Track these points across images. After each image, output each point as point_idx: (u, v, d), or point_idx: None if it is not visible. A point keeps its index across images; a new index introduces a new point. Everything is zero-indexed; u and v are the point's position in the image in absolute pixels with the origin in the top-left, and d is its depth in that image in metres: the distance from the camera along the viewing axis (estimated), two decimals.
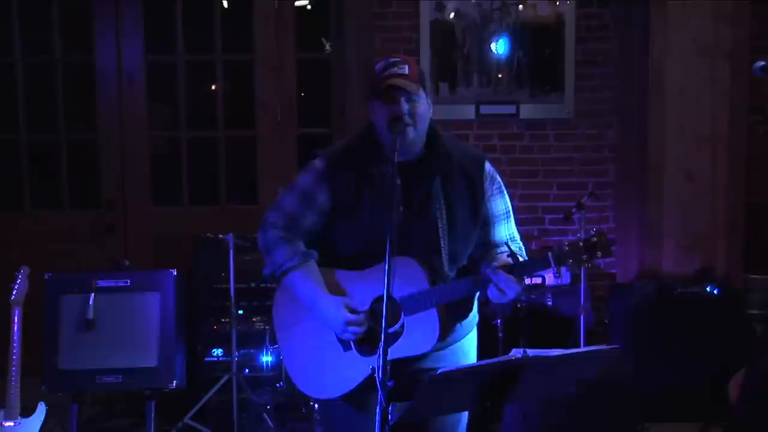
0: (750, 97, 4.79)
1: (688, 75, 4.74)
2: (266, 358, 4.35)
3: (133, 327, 3.74)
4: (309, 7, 5.28)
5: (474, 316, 2.46)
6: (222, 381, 4.14)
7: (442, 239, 2.31)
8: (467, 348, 2.48)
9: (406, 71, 2.28)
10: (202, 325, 4.35)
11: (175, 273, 3.80)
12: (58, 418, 3.89)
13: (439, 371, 1.89)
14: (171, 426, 4.10)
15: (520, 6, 4.98)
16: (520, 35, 4.98)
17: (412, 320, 2.26)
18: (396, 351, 2.22)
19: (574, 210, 4.39)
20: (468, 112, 4.99)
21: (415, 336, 2.26)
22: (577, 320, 4.32)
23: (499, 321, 4.21)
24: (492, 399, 1.98)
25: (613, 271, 5.10)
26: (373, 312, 2.30)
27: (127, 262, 4.05)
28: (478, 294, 2.39)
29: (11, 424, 3.47)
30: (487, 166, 2.43)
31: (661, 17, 4.73)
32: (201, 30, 5.12)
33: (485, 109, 5.00)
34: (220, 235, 4.15)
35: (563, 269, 2.47)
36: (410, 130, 2.28)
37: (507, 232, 2.45)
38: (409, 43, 4.94)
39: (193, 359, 4.24)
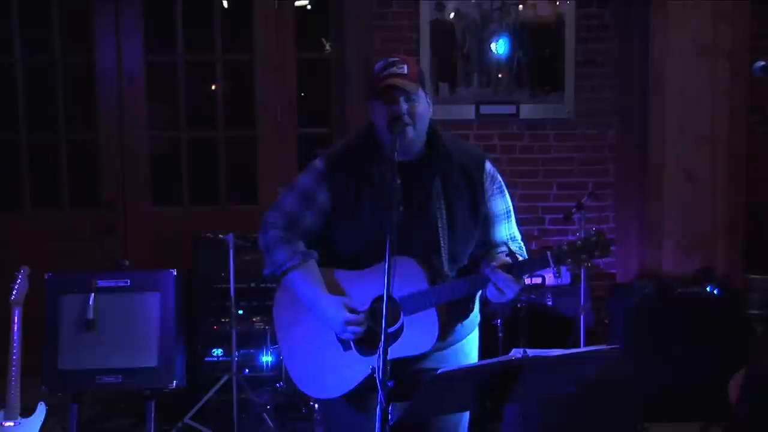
0: (750, 97, 4.79)
1: (688, 75, 4.74)
2: (266, 358, 4.35)
3: (133, 327, 3.74)
4: (309, 7, 5.28)
5: (475, 316, 2.46)
6: (222, 381, 4.14)
7: (442, 239, 2.31)
8: (469, 348, 2.47)
9: (405, 71, 2.28)
10: (202, 325, 4.35)
11: (175, 273, 3.80)
12: (58, 418, 3.89)
13: (439, 371, 1.89)
14: (171, 426, 4.10)
15: (520, 6, 4.97)
16: (520, 35, 4.98)
17: (412, 320, 2.26)
18: (395, 351, 2.21)
19: (574, 210, 4.39)
20: (468, 112, 4.99)
21: (414, 336, 2.26)
22: (577, 320, 4.32)
23: (499, 321, 4.22)
24: (492, 399, 1.99)
25: (613, 271, 5.10)
26: (373, 312, 2.29)
27: (127, 262, 4.05)
28: (479, 294, 2.38)
29: (11, 424, 3.47)
30: (488, 165, 2.42)
31: (661, 17, 4.73)
32: (201, 30, 5.11)
33: (485, 109, 4.99)
34: (220, 235, 4.15)
35: (563, 269, 2.47)
36: (410, 130, 2.27)
37: (507, 231, 2.44)
38: (409, 43, 4.94)
39: (193, 359, 4.24)
